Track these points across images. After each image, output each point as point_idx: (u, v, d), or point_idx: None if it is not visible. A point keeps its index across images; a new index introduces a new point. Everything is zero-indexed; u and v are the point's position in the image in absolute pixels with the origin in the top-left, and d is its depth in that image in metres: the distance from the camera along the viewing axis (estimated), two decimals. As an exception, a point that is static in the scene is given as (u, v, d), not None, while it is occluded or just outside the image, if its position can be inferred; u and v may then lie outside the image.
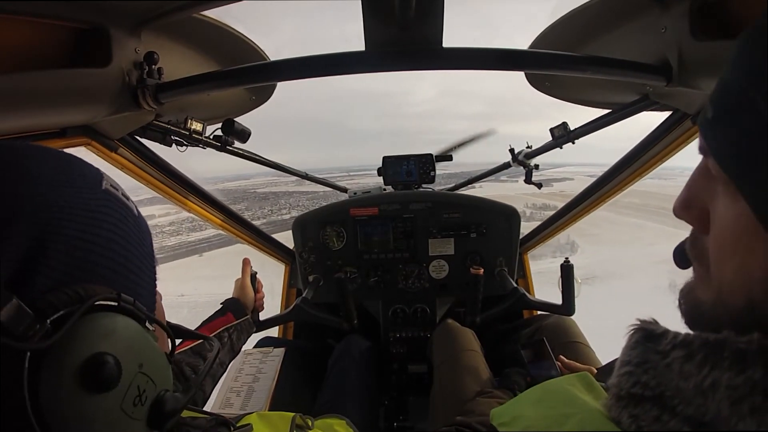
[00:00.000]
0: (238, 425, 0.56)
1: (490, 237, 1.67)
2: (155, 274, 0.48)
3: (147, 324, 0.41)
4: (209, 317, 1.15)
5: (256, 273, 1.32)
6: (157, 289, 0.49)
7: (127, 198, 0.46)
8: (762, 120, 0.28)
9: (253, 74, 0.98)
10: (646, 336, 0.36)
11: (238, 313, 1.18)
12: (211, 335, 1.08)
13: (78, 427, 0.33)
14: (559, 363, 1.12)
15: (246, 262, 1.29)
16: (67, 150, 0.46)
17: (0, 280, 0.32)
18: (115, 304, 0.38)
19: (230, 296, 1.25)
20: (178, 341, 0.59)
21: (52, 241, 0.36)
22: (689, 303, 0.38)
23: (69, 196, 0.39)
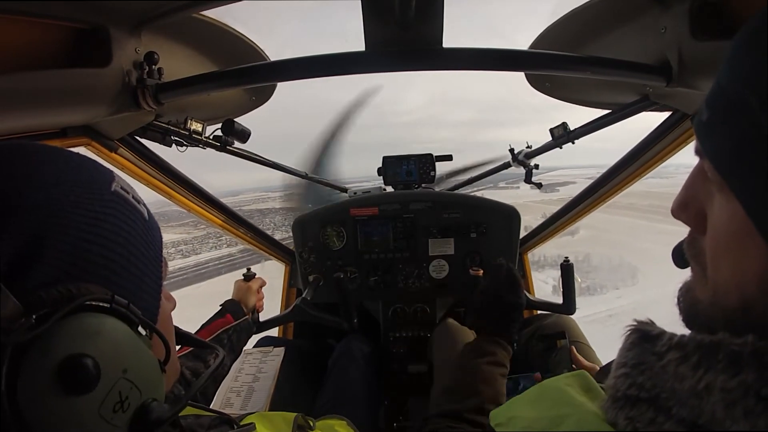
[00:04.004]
0: (241, 424, 0.57)
1: (490, 237, 1.67)
2: (161, 278, 0.47)
3: (140, 329, 0.40)
4: (208, 319, 1.15)
5: (254, 274, 1.32)
6: (171, 294, 0.48)
7: (138, 201, 0.46)
8: (755, 123, 0.28)
9: (253, 74, 0.98)
10: (643, 337, 0.36)
11: (236, 314, 1.17)
12: (210, 338, 1.08)
13: (53, 428, 0.33)
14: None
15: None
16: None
17: None
18: (108, 305, 0.37)
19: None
20: (178, 347, 0.59)
21: (50, 238, 0.36)
22: (687, 302, 0.38)
23: (73, 195, 0.39)
